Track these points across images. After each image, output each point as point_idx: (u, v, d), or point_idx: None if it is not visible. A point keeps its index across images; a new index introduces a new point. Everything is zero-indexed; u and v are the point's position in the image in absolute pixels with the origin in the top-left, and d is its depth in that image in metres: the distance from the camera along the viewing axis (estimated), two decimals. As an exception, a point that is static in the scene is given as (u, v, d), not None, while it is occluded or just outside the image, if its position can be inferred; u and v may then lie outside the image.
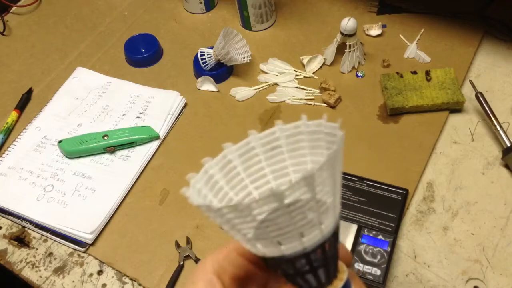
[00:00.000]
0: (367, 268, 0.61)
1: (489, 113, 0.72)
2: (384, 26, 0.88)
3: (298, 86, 0.82)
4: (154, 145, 0.77)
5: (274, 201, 0.24)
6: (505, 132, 0.70)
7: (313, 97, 0.80)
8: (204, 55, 0.83)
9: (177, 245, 0.66)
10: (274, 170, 0.31)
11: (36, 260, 0.68)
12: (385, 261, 0.61)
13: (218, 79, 0.84)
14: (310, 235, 0.26)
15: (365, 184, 0.69)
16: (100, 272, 0.66)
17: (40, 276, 0.66)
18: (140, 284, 0.64)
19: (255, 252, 0.27)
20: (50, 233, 0.69)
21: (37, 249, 0.69)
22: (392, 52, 0.85)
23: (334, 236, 0.28)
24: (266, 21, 0.91)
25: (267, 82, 0.83)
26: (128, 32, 0.94)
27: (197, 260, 0.65)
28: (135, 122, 0.80)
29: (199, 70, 0.84)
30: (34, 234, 0.70)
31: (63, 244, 0.69)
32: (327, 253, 0.28)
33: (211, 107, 0.82)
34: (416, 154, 0.72)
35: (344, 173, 0.69)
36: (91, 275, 0.66)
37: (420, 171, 0.71)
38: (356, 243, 0.63)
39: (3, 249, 0.69)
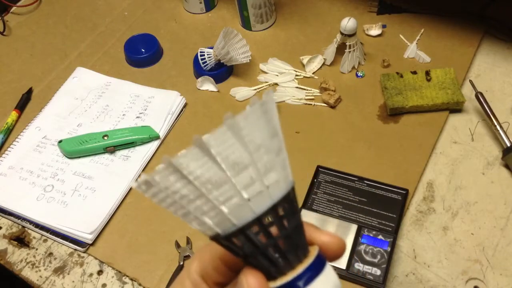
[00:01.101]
0: (367, 268, 0.61)
1: (489, 113, 0.72)
2: (384, 26, 0.88)
3: (298, 86, 0.82)
4: (154, 145, 0.77)
5: (202, 153, 0.23)
6: (505, 132, 0.70)
7: (313, 97, 0.80)
8: (204, 55, 0.83)
9: (177, 245, 0.66)
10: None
11: (36, 260, 0.68)
12: (385, 261, 0.61)
13: (218, 79, 0.84)
14: (256, 198, 0.24)
15: (365, 184, 0.69)
16: (100, 272, 0.66)
17: (40, 276, 0.66)
18: (140, 284, 0.64)
19: (210, 234, 0.25)
20: (50, 233, 0.69)
21: (37, 249, 0.69)
22: (392, 52, 0.85)
23: (287, 201, 0.26)
24: (266, 21, 0.91)
25: (267, 82, 0.83)
26: (128, 32, 0.94)
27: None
28: (135, 122, 0.80)
29: (199, 70, 0.84)
30: (34, 234, 0.70)
31: (63, 244, 0.69)
32: (282, 220, 0.26)
33: (211, 107, 0.82)
34: (416, 154, 0.72)
35: (344, 173, 0.69)
36: (91, 275, 0.66)
37: (420, 171, 0.71)
38: (356, 243, 0.63)
39: (3, 249, 0.69)
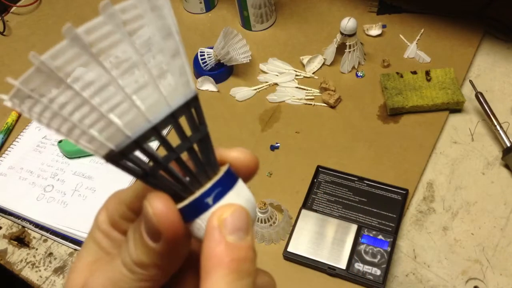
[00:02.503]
0: (367, 268, 0.61)
1: (489, 113, 0.72)
2: (384, 26, 0.88)
3: (298, 86, 0.82)
4: (154, 145, 0.77)
5: (78, 49, 0.19)
6: (505, 132, 0.70)
7: (313, 97, 0.80)
8: (204, 55, 0.83)
9: (177, 245, 0.66)
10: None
11: (36, 260, 0.68)
12: (385, 261, 0.61)
13: (218, 79, 0.84)
14: (151, 105, 0.21)
15: (365, 184, 0.69)
16: (100, 272, 0.66)
17: (40, 276, 0.66)
18: (140, 284, 0.64)
19: (103, 153, 0.22)
20: (50, 233, 0.69)
21: (37, 249, 0.69)
22: (392, 52, 0.85)
23: (189, 111, 0.23)
24: (266, 21, 0.91)
25: (267, 82, 0.83)
26: (128, 32, 0.94)
27: (197, 260, 0.65)
28: (135, 122, 0.80)
29: (199, 70, 0.84)
30: (34, 234, 0.70)
31: (63, 244, 0.69)
32: (182, 130, 0.23)
33: (211, 107, 0.82)
34: (416, 154, 0.72)
35: (344, 173, 0.69)
36: (91, 275, 0.66)
37: (420, 171, 0.71)
38: (356, 243, 0.63)
39: (3, 249, 0.69)
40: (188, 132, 0.23)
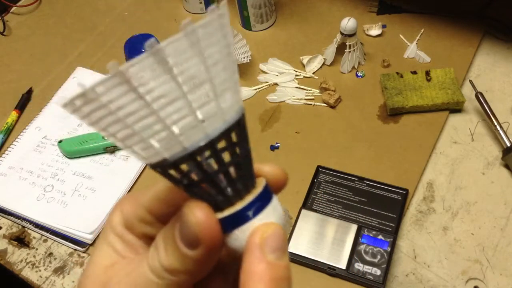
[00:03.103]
0: (367, 268, 0.61)
1: (489, 113, 0.72)
2: (384, 26, 0.88)
3: (298, 86, 0.82)
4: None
5: (156, 64, 0.20)
6: (505, 132, 0.70)
7: (313, 97, 0.80)
8: (204, 55, 0.83)
9: (177, 245, 0.66)
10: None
11: (36, 260, 0.68)
12: (385, 261, 0.61)
13: (218, 79, 0.83)
14: (210, 120, 0.22)
15: (365, 184, 0.69)
16: (100, 272, 0.66)
17: (40, 276, 0.66)
18: (140, 284, 0.64)
19: (154, 161, 0.22)
20: (50, 233, 0.69)
21: (37, 249, 0.69)
22: (392, 52, 0.85)
23: (240, 126, 0.24)
24: (266, 21, 0.91)
25: (267, 82, 0.83)
26: (128, 32, 0.93)
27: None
28: (135, 122, 0.80)
29: (199, 70, 0.84)
30: (34, 234, 0.70)
31: (63, 244, 0.69)
32: (235, 147, 0.24)
33: (211, 107, 0.82)
34: (416, 154, 0.72)
35: (344, 173, 0.69)
36: (91, 275, 0.66)
37: (420, 171, 0.71)
38: (356, 243, 0.63)
39: (3, 249, 0.69)
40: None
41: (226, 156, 0.24)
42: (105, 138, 0.23)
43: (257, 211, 0.24)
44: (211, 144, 0.22)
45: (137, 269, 0.25)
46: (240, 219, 0.24)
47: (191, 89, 0.21)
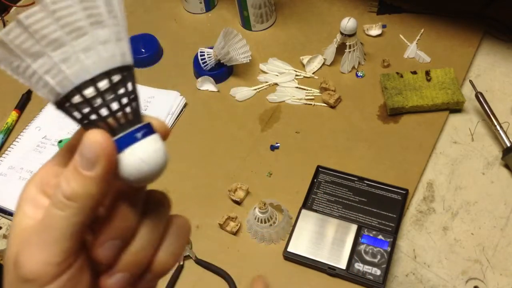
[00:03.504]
0: (367, 268, 0.61)
1: (489, 113, 0.72)
2: (384, 26, 0.88)
3: (298, 86, 0.82)
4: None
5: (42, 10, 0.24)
6: (505, 132, 0.70)
7: (313, 97, 0.80)
8: (204, 55, 0.83)
9: (177, 245, 0.66)
10: None
11: (36, 260, 0.68)
12: (385, 261, 0.61)
13: (218, 79, 0.84)
14: (95, 64, 0.26)
15: (365, 184, 0.69)
16: (100, 272, 0.66)
17: (40, 276, 0.66)
18: (140, 284, 0.64)
19: (52, 96, 0.27)
20: (50, 233, 0.69)
21: (37, 249, 0.69)
22: (392, 52, 0.85)
23: (123, 71, 0.28)
24: (266, 21, 0.91)
25: (267, 82, 0.83)
26: (128, 32, 0.93)
27: (197, 260, 0.65)
28: (135, 122, 0.80)
29: (199, 70, 0.84)
30: (34, 234, 0.70)
31: (63, 244, 0.69)
32: (119, 86, 0.28)
33: (211, 107, 0.82)
34: (416, 154, 0.72)
35: (344, 173, 0.69)
36: (91, 275, 0.66)
37: (420, 171, 0.71)
38: (356, 243, 0.63)
39: (3, 249, 0.69)
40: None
41: (111, 95, 0.28)
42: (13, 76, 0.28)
43: (144, 135, 0.28)
44: (92, 81, 0.26)
45: (44, 214, 0.26)
46: (130, 139, 0.27)
47: (74, 38, 0.26)
